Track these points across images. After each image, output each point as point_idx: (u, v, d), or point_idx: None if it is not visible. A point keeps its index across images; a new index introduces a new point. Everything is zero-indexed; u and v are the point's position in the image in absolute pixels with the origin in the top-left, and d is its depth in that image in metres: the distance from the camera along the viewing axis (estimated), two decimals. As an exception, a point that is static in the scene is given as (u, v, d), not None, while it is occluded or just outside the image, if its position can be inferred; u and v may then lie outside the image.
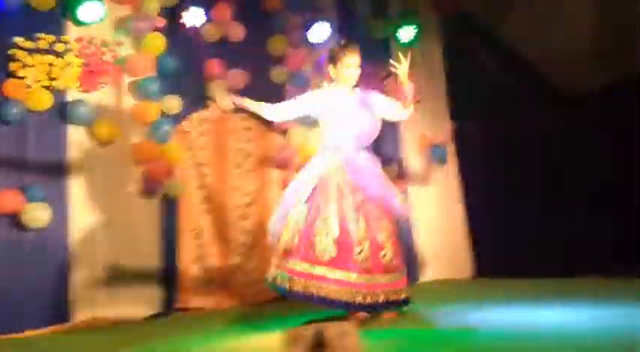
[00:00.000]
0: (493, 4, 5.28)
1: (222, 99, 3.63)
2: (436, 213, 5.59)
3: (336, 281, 3.11)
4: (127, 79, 4.37)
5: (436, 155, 5.66)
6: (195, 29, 4.58)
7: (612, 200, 4.68)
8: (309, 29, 5.08)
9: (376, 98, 3.48)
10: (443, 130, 5.74)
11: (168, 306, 4.37)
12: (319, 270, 3.13)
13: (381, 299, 3.14)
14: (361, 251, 3.14)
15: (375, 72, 5.46)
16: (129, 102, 4.37)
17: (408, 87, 3.32)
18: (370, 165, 3.39)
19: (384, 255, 3.20)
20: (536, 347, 2.38)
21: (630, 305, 3.15)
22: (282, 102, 3.69)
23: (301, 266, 3.18)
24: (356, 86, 3.51)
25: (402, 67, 3.32)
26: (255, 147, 4.97)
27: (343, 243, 3.15)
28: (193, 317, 4.29)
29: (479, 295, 4.05)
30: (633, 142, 4.61)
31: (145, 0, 4.35)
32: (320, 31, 5.09)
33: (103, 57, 4.20)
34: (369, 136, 3.45)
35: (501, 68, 5.57)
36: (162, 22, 4.42)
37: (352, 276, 3.11)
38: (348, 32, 5.26)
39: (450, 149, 5.76)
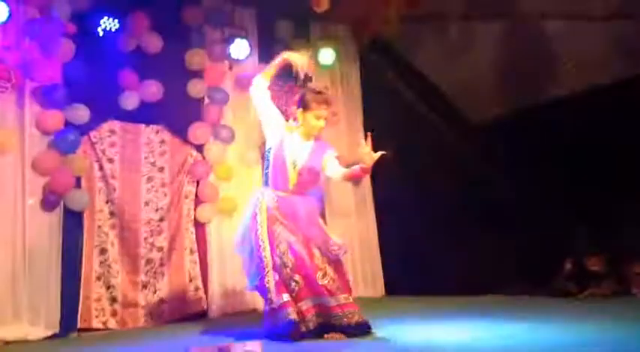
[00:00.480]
0: (407, 34, 5.52)
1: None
2: (351, 234, 5.67)
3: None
4: (30, 85, 4.14)
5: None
6: (107, 37, 4.43)
7: (517, 220, 4.97)
8: (229, 45, 5.06)
9: (328, 152, 3.45)
10: (359, 154, 5.86)
11: (68, 326, 4.12)
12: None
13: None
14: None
15: (292, 89, 5.53)
16: (32, 109, 4.13)
17: (364, 171, 3.32)
18: (307, 210, 3.36)
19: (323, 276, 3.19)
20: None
21: (532, 321, 3.32)
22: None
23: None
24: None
25: (369, 155, 3.25)
26: (169, 161, 4.84)
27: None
28: (94, 338, 4.07)
29: (389, 312, 4.12)
30: (536, 165, 4.94)
31: (54, 3, 4.16)
32: (240, 48, 5.08)
33: (4, 60, 3.95)
34: (309, 183, 3.42)
35: (414, 93, 5.81)
36: (72, 28, 4.23)
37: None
38: (269, 51, 5.30)
39: (365, 170, 5.89)
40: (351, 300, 3.21)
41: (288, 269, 3.19)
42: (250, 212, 3.38)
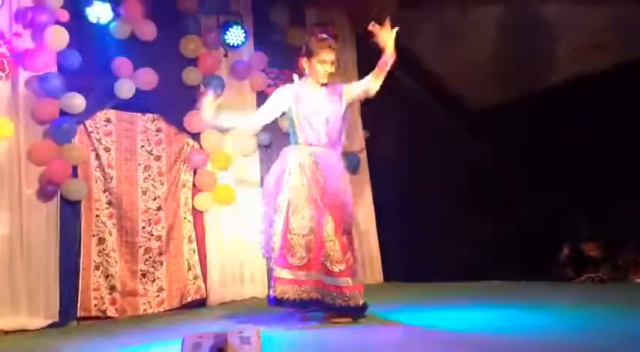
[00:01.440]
0: (404, 18, 5.46)
1: (207, 111, 3.31)
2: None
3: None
4: (24, 74, 4.10)
5: (349, 163, 5.76)
6: (101, 25, 4.39)
7: (514, 206, 4.96)
8: (224, 32, 5.02)
9: (343, 88, 3.40)
10: (356, 139, 5.86)
11: (67, 315, 4.13)
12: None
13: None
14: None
15: (290, 77, 5.50)
16: (26, 98, 4.11)
17: (390, 54, 3.26)
18: (337, 165, 3.30)
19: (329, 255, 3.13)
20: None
21: (529, 306, 3.34)
22: (259, 109, 3.50)
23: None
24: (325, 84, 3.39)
25: (386, 33, 3.20)
26: (166, 150, 4.83)
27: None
28: (94, 326, 4.08)
29: (389, 299, 4.14)
30: (535, 151, 4.93)
31: (47, -9, 4.13)
32: (235, 35, 5.04)
33: (-3, 50, 3.93)
34: (337, 131, 3.33)
35: (412, 79, 5.78)
36: (65, 15, 4.19)
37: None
38: (265, 38, 5.26)
39: (363, 157, 5.89)
40: (351, 283, 3.13)
41: (299, 237, 3.17)
42: (278, 171, 3.32)
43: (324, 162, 3.26)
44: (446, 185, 5.37)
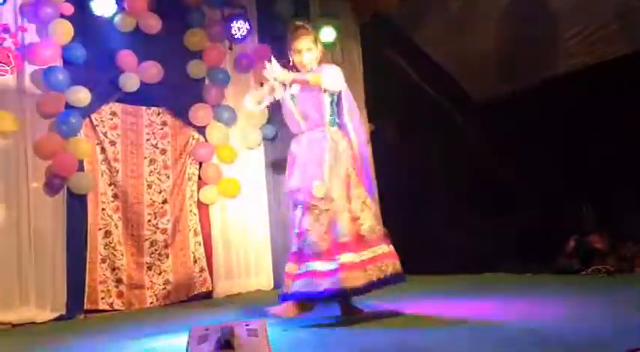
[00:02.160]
0: (409, 10, 5.44)
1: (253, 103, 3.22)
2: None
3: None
4: (29, 68, 4.11)
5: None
6: (105, 18, 4.39)
7: (520, 198, 4.95)
8: (228, 25, 5.01)
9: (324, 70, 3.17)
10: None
11: (74, 308, 4.16)
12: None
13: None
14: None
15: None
16: (32, 92, 4.12)
17: (299, 79, 3.12)
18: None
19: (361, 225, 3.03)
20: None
21: (534, 298, 3.34)
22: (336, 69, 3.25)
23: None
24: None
25: (271, 73, 3.09)
26: (171, 143, 4.83)
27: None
28: (101, 319, 4.11)
29: (390, 291, 4.14)
30: (540, 143, 4.91)
31: (51, -15, 4.12)
32: (240, 27, 5.03)
33: (3, 43, 3.93)
34: (319, 115, 3.15)
35: (416, 72, 5.75)
36: (69, 9, 4.18)
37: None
38: (269, 30, 5.25)
39: (368, 150, 5.87)
40: (313, 269, 2.99)
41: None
42: (327, 155, 3.10)
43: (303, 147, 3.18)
44: (451, 177, 5.37)
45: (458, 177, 5.26)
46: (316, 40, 3.22)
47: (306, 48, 3.17)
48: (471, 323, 2.74)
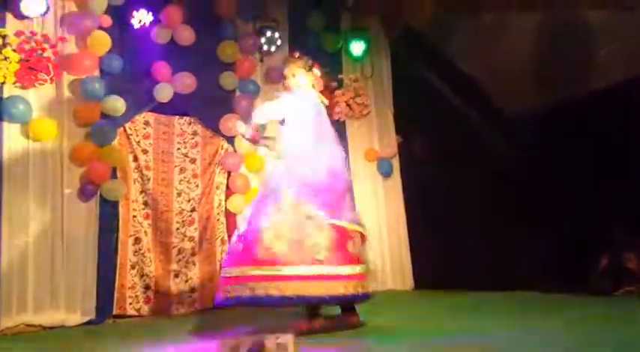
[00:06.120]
0: (440, 24, 5.44)
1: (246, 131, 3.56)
2: (381, 226, 5.66)
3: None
4: (68, 78, 4.23)
5: (382, 168, 5.76)
6: (142, 30, 4.49)
7: (551, 215, 4.87)
8: (260, 36, 5.08)
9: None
10: (389, 144, 5.85)
11: (104, 313, 4.23)
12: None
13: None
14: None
15: (324, 82, 5.52)
16: (69, 101, 4.23)
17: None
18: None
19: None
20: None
21: (565, 318, 3.28)
22: (267, 103, 3.67)
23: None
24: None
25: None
26: (201, 153, 4.90)
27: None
28: (129, 324, 4.17)
29: (418, 306, 4.13)
30: (573, 159, 4.83)
31: (91, -3, 4.25)
32: (271, 40, 5.09)
33: (43, 53, 4.05)
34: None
35: (446, 85, 5.74)
36: (108, 21, 4.30)
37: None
38: (300, 43, 5.30)
39: (396, 163, 5.87)
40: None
41: None
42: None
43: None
44: (480, 192, 5.31)
45: (488, 192, 5.21)
46: (306, 67, 3.52)
47: (291, 74, 3.49)
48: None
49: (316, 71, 3.52)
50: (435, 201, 5.39)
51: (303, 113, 3.38)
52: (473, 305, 4.13)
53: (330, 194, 3.22)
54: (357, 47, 5.64)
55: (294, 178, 3.20)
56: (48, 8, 4.08)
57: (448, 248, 5.20)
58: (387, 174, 5.78)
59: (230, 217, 4.97)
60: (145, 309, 4.45)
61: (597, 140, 4.64)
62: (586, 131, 4.72)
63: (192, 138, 4.88)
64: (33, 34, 4.04)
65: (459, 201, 5.33)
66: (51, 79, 4.09)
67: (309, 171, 3.22)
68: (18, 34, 3.99)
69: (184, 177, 4.81)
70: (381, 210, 5.70)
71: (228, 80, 4.97)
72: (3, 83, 3.92)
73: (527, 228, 4.80)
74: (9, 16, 4.01)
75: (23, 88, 4.00)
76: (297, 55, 3.59)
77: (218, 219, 4.92)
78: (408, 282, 5.70)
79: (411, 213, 5.81)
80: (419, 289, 5.58)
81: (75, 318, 4.08)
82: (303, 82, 3.48)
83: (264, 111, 3.57)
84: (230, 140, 4.98)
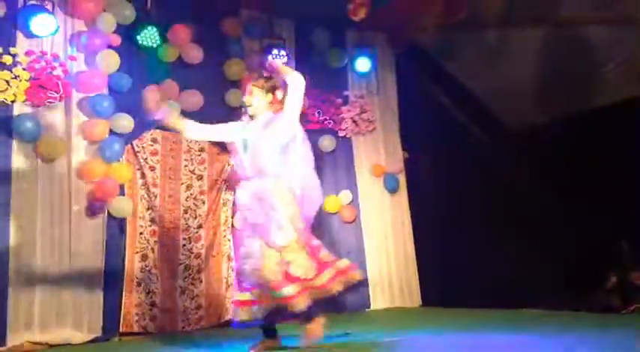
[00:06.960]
0: (445, 41, 5.47)
1: (151, 103, 3.48)
2: (387, 242, 5.65)
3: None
4: (77, 96, 4.28)
5: (389, 184, 5.76)
6: (150, 49, 4.55)
7: (558, 232, 4.84)
8: (267, 54, 5.13)
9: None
10: (395, 160, 5.85)
11: (110, 331, 4.22)
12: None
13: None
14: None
15: (331, 99, 5.56)
16: (78, 119, 4.28)
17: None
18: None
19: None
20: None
21: (572, 338, 3.25)
22: (209, 125, 3.67)
23: None
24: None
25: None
26: (208, 169, 4.92)
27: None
28: (136, 342, 4.16)
29: (426, 323, 4.09)
30: (578, 175, 4.82)
31: (100, 16, 4.30)
32: (278, 58, 5.14)
33: (53, 72, 4.10)
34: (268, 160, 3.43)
35: (451, 102, 5.76)
36: (117, 40, 4.36)
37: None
38: (307, 60, 5.35)
39: (402, 179, 5.87)
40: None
41: None
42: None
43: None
44: (486, 208, 5.29)
45: (494, 209, 5.19)
46: (263, 88, 3.43)
47: (248, 91, 3.46)
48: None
49: (278, 94, 3.43)
50: (443, 219, 5.38)
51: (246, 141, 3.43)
52: (480, 322, 4.09)
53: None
54: (363, 64, 5.68)
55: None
56: (58, 28, 4.14)
57: (456, 264, 5.17)
58: (393, 189, 5.77)
59: (236, 234, 4.97)
60: (152, 326, 4.43)
61: (603, 155, 4.63)
62: (592, 146, 4.71)
63: (199, 155, 4.91)
64: (43, 53, 4.10)
65: (466, 218, 5.31)
66: (60, 96, 4.13)
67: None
68: (29, 53, 4.04)
69: (191, 194, 4.83)
70: (387, 226, 5.69)
71: (234, 97, 5.00)
72: (13, 101, 3.97)
73: (535, 245, 4.77)
74: (19, 36, 4.07)
75: (33, 105, 4.04)
76: (256, 75, 3.57)
77: (224, 236, 4.93)
78: (416, 299, 5.66)
79: (418, 229, 5.79)
80: (426, 307, 5.53)
81: (81, 336, 4.08)
82: (256, 103, 3.42)
83: (207, 130, 3.64)
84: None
